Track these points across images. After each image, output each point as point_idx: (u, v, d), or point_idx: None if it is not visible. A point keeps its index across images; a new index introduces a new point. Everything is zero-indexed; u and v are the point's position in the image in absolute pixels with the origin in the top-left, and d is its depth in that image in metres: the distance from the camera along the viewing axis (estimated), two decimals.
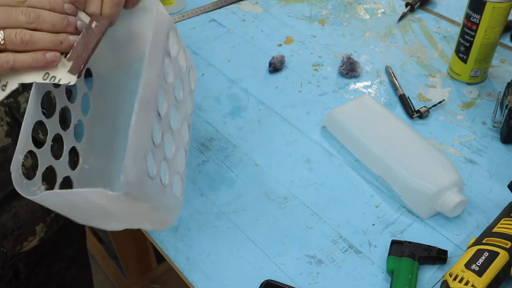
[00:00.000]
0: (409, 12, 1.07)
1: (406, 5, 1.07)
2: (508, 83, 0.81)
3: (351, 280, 0.62)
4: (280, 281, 0.61)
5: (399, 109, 0.85)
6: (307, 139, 0.80)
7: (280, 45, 0.99)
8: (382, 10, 1.09)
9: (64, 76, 0.47)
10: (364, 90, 0.89)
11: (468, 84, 0.89)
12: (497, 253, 0.58)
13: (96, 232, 1.55)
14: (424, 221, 0.68)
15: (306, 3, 1.11)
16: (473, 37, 0.84)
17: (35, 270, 0.80)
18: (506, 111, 0.77)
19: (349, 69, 0.91)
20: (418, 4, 1.07)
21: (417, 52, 0.97)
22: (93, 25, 0.48)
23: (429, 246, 0.63)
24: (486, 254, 0.58)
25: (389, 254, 0.63)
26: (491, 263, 0.57)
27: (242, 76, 0.92)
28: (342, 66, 0.91)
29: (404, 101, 0.85)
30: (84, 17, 0.49)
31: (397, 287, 0.58)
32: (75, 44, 0.47)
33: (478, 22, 0.82)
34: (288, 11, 1.08)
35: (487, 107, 0.84)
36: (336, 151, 0.78)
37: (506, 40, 0.98)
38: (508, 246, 0.58)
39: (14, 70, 0.45)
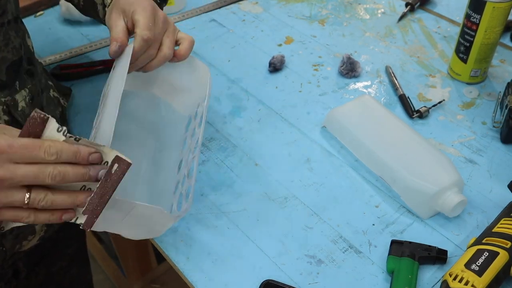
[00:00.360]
0: (409, 12, 1.07)
1: (406, 5, 1.07)
2: (508, 83, 0.81)
3: (351, 280, 0.62)
4: (280, 281, 0.61)
5: (399, 109, 0.85)
6: (307, 139, 0.80)
7: (280, 45, 0.99)
8: (382, 10, 1.09)
9: (80, 217, 0.50)
10: (364, 90, 0.89)
11: (468, 84, 0.89)
12: (497, 253, 0.58)
13: (96, 232, 1.55)
14: (424, 221, 0.68)
15: (306, 3, 1.11)
16: (473, 37, 0.84)
17: (36, 269, 0.80)
18: (506, 111, 0.77)
19: (349, 69, 0.91)
20: (418, 4, 1.07)
21: (417, 52, 0.97)
22: (114, 169, 0.48)
23: (429, 246, 0.63)
24: (486, 254, 0.58)
25: (389, 254, 0.63)
26: (491, 263, 0.57)
27: (242, 76, 0.92)
28: (342, 66, 0.91)
29: (404, 101, 0.85)
30: (107, 153, 0.50)
31: (397, 287, 0.58)
32: (92, 195, 0.48)
33: (478, 22, 0.82)
34: (288, 11, 1.08)
35: (487, 107, 0.84)
36: (336, 151, 0.78)
37: (506, 40, 0.98)
38: (508, 246, 0.58)
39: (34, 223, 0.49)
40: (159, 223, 0.58)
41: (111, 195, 0.49)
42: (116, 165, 0.49)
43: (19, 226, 0.66)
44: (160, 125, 0.75)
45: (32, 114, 0.47)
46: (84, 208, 0.48)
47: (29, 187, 0.47)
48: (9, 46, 0.63)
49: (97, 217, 0.49)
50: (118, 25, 0.62)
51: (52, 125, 0.48)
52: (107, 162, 0.49)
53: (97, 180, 0.48)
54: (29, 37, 0.72)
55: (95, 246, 1.58)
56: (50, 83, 0.77)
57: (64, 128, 0.48)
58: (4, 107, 0.63)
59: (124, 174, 0.49)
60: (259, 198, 0.71)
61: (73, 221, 0.50)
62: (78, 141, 0.49)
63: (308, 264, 0.63)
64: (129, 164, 0.49)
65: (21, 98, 0.65)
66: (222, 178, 0.74)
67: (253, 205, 0.70)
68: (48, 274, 0.83)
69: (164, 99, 0.76)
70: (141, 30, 0.61)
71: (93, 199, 0.48)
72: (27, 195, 0.47)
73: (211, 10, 1.09)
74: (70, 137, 0.48)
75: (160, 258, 1.49)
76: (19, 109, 0.65)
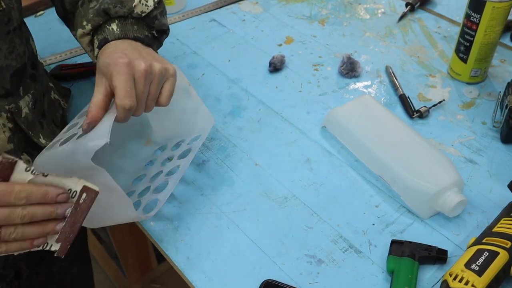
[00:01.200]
0: (409, 12, 1.07)
1: (406, 5, 1.07)
2: (508, 83, 0.81)
3: (351, 280, 0.62)
4: (280, 281, 0.61)
5: (399, 109, 0.85)
6: (307, 139, 0.80)
7: (280, 45, 0.99)
8: (382, 10, 1.09)
9: (54, 244, 0.53)
10: (364, 90, 0.89)
11: (468, 84, 0.89)
12: (497, 253, 0.58)
13: (96, 232, 1.55)
14: (424, 221, 0.68)
15: (306, 3, 1.11)
16: (473, 36, 0.84)
17: (37, 269, 0.80)
18: (506, 111, 0.77)
19: (349, 69, 0.91)
20: (418, 4, 1.07)
21: (417, 52, 0.97)
22: (82, 198, 0.52)
23: (429, 246, 0.63)
24: (486, 254, 0.58)
25: (389, 254, 0.63)
26: (491, 262, 0.57)
27: (242, 76, 0.92)
28: (342, 66, 0.91)
29: (404, 101, 0.85)
30: (75, 183, 0.52)
31: (397, 287, 0.58)
32: (63, 226, 0.52)
33: (478, 21, 0.82)
34: (288, 11, 1.08)
35: (487, 107, 0.84)
36: (336, 151, 0.78)
37: (506, 40, 0.98)
38: (508, 246, 0.58)
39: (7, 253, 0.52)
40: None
41: (81, 223, 0.52)
42: (84, 194, 0.52)
43: None
44: (130, 136, 0.76)
45: (0, 159, 0.49)
46: (57, 237, 0.52)
47: None
48: (13, 54, 0.63)
49: (70, 243, 0.52)
50: (96, 93, 0.58)
51: (20, 166, 0.51)
52: (76, 191, 0.52)
53: (64, 217, 0.52)
54: (32, 40, 0.72)
55: (95, 246, 1.58)
56: (51, 84, 0.77)
57: (32, 167, 0.51)
58: (8, 114, 0.63)
59: (93, 202, 0.52)
60: (259, 198, 0.71)
61: (47, 248, 0.52)
62: (46, 176, 0.51)
63: (308, 264, 0.63)
64: (96, 193, 0.52)
65: (25, 104, 0.65)
66: (222, 178, 0.74)
67: (253, 205, 0.70)
68: (49, 274, 0.83)
69: (148, 119, 0.75)
70: (121, 100, 0.56)
71: (65, 228, 0.52)
72: None
73: (211, 10, 1.09)
74: (38, 174, 0.51)
75: (160, 258, 1.49)
76: (23, 115, 0.65)
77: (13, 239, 0.50)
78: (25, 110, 0.65)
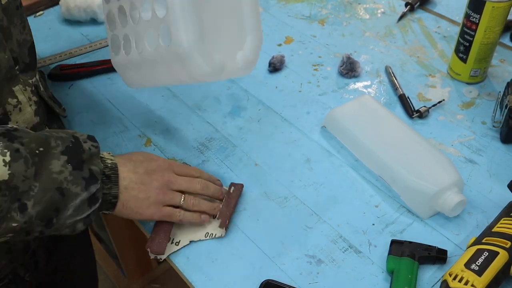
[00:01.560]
0: (409, 12, 1.07)
1: (406, 5, 1.07)
2: (508, 83, 0.81)
3: (351, 280, 0.62)
4: (280, 281, 0.61)
5: (399, 109, 0.85)
6: (307, 139, 0.80)
7: (280, 45, 0.99)
8: (382, 10, 1.09)
9: (216, 231, 0.66)
10: (364, 90, 0.89)
11: (468, 83, 0.89)
12: (497, 253, 0.58)
13: (96, 232, 1.55)
14: (424, 221, 0.68)
15: (306, 3, 1.11)
16: (473, 36, 0.84)
17: (52, 258, 0.80)
18: (506, 110, 0.77)
19: (349, 69, 0.91)
20: (418, 4, 1.07)
21: (417, 52, 0.97)
22: (231, 190, 0.69)
23: (429, 246, 0.63)
24: (485, 253, 0.58)
25: (389, 254, 0.63)
26: (491, 262, 0.57)
27: (242, 76, 0.92)
28: (342, 66, 0.91)
29: (404, 101, 0.85)
30: None
31: (397, 287, 0.59)
32: (221, 206, 0.68)
33: (477, 21, 0.82)
34: (288, 11, 1.08)
35: (487, 107, 0.84)
36: (336, 151, 0.78)
37: (506, 40, 0.98)
38: (507, 246, 0.58)
39: (180, 222, 0.66)
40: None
41: (234, 208, 0.68)
42: (233, 188, 0.70)
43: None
44: None
45: None
46: (217, 216, 0.67)
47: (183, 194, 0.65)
48: (26, 28, 0.65)
49: (228, 220, 0.66)
50: None
51: None
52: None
53: (221, 198, 0.69)
54: None
55: (95, 246, 1.58)
56: None
57: None
58: (33, 88, 0.66)
59: (241, 192, 0.70)
60: (259, 198, 0.71)
61: (214, 235, 0.66)
62: None
63: (308, 264, 0.63)
64: (242, 186, 0.71)
65: (39, 78, 0.70)
66: (222, 178, 0.74)
67: (253, 205, 0.70)
68: (58, 261, 0.83)
69: None
70: None
71: (222, 208, 0.68)
72: (183, 197, 0.65)
73: None
74: None
75: None
76: (42, 89, 0.69)
77: (191, 207, 0.65)
78: (41, 84, 0.70)
